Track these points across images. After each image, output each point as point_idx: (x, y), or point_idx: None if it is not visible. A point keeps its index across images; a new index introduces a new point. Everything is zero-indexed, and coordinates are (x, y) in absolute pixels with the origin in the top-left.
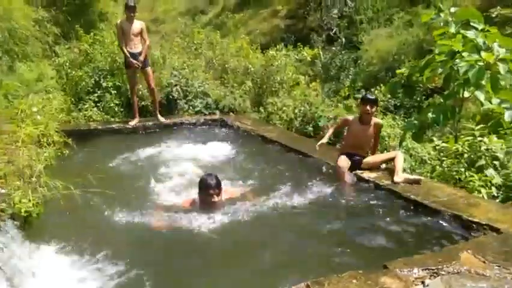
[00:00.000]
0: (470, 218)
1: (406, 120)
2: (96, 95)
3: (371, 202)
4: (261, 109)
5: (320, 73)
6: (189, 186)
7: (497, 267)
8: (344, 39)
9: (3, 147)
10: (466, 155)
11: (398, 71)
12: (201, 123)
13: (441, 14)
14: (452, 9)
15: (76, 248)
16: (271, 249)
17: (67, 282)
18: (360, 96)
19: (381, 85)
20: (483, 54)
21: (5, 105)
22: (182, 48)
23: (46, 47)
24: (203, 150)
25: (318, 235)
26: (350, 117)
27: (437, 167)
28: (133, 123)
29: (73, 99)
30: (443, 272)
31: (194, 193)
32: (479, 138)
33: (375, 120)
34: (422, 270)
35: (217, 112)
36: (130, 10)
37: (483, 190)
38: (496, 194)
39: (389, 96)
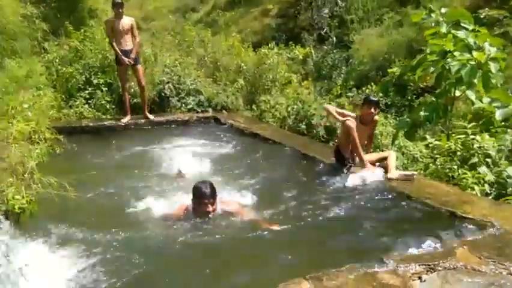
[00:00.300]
0: (464, 215)
1: (398, 118)
2: (87, 92)
3: (366, 199)
4: (254, 107)
5: (311, 72)
6: (182, 187)
7: (492, 262)
8: (335, 39)
9: None
10: (458, 153)
11: (389, 70)
12: (194, 121)
13: (432, 15)
14: (443, 10)
15: (68, 245)
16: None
17: (60, 279)
18: (352, 94)
19: (372, 84)
20: (474, 53)
21: None
22: (174, 45)
23: (35, 44)
24: (196, 148)
25: (317, 229)
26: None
27: (430, 164)
28: (125, 120)
29: (63, 96)
30: (439, 268)
31: (187, 198)
32: (472, 136)
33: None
34: (419, 265)
35: (210, 110)
36: (117, 7)
37: (476, 187)
38: (488, 191)
39: (380, 95)
